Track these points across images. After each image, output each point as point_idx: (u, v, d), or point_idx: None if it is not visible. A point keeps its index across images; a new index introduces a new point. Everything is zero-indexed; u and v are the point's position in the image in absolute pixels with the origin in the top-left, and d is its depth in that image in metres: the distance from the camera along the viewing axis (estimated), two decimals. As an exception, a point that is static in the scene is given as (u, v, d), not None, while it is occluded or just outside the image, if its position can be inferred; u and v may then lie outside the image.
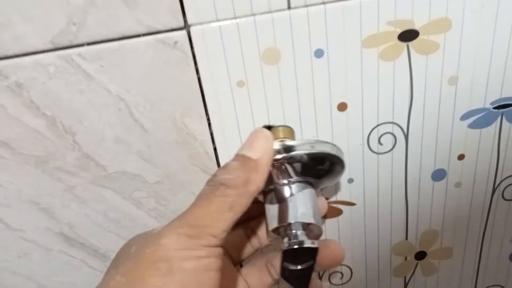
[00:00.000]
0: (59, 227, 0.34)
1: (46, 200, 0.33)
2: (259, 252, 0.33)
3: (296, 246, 0.26)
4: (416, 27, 0.28)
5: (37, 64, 0.27)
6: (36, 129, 0.30)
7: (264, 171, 0.24)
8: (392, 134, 0.32)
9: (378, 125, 0.31)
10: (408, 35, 0.28)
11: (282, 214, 0.26)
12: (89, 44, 0.27)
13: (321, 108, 0.30)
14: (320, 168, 0.27)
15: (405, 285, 0.40)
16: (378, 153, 0.32)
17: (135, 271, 0.21)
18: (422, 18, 0.28)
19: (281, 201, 0.27)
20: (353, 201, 0.34)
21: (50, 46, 0.27)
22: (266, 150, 0.25)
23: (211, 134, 0.31)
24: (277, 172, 0.26)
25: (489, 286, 0.41)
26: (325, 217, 0.35)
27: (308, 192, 0.27)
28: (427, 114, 0.31)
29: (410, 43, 0.28)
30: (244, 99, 0.29)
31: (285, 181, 0.27)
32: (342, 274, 0.38)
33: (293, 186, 0.27)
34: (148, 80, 0.28)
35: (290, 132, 0.29)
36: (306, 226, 0.26)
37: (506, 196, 0.35)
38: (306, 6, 0.27)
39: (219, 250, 0.23)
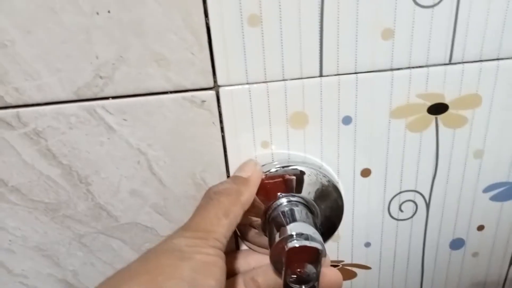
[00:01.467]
0: (63, 274, 0.33)
1: (52, 247, 0.32)
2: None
3: (298, 245, 0.24)
4: (446, 101, 0.27)
5: (58, 113, 0.27)
6: (50, 177, 0.29)
7: (253, 186, 0.27)
8: (414, 202, 0.31)
9: (400, 193, 0.30)
10: (438, 109, 0.28)
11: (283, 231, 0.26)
12: (114, 97, 0.26)
13: (344, 173, 0.29)
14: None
15: None
16: (398, 220, 0.32)
17: (150, 256, 0.23)
18: (453, 93, 0.27)
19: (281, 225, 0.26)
20: (368, 264, 0.33)
21: (74, 97, 0.26)
22: (254, 170, 0.27)
23: (229, 191, 0.30)
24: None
25: None
26: (337, 278, 0.34)
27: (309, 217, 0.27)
28: (450, 184, 0.30)
29: (439, 116, 0.28)
30: (268, 160, 0.29)
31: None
32: (350, 337, 0.37)
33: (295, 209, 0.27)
34: (172, 136, 0.28)
35: None
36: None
37: (523, 268, 0.35)
38: (338, 74, 0.26)
39: (223, 255, 0.23)
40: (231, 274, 0.30)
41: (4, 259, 0.32)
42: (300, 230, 0.25)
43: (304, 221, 0.26)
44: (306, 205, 0.28)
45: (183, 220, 0.31)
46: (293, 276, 0.25)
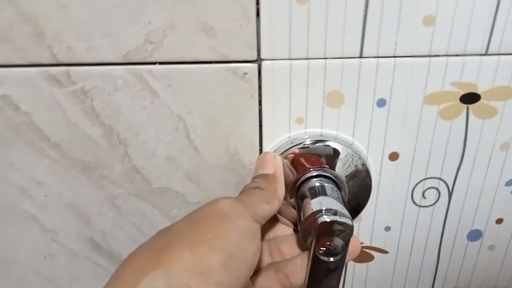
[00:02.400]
0: (91, 234, 0.34)
1: (84, 206, 0.33)
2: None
3: (329, 219, 0.25)
4: (479, 91, 0.28)
5: (106, 75, 0.28)
6: (91, 136, 0.30)
7: (282, 181, 0.27)
8: (437, 189, 0.32)
9: (425, 179, 0.31)
10: (470, 98, 0.29)
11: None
12: (161, 63, 0.27)
13: (373, 154, 0.30)
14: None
15: (421, 338, 0.39)
16: (420, 206, 0.32)
17: (197, 216, 0.24)
18: (486, 83, 0.28)
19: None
20: (386, 249, 0.34)
21: (123, 60, 0.27)
22: (277, 165, 0.28)
23: (260, 165, 0.31)
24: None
25: None
26: (354, 260, 0.35)
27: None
28: (474, 175, 0.31)
29: (470, 106, 0.29)
30: (300, 136, 0.30)
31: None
32: (361, 319, 0.38)
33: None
34: (211, 105, 0.29)
35: None
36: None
37: (537, 265, 0.36)
38: (377, 57, 0.27)
39: (260, 230, 0.24)
40: None
41: (37, 214, 0.33)
42: (329, 206, 0.26)
43: (333, 197, 0.27)
44: (336, 181, 0.29)
45: (213, 189, 0.32)
46: (322, 248, 0.26)
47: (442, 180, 0.31)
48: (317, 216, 0.25)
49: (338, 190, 0.28)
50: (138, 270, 0.21)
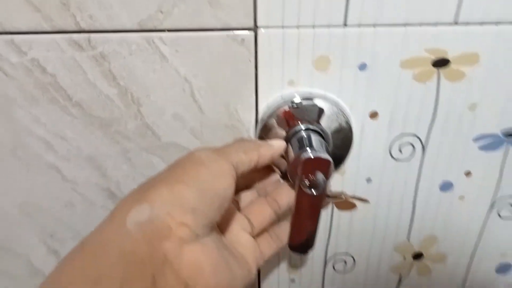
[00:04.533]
0: (108, 185, 0.39)
1: (101, 159, 0.37)
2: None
3: (312, 156, 0.29)
4: (449, 56, 0.32)
5: (122, 40, 0.32)
6: (108, 96, 0.34)
7: (274, 150, 0.31)
8: (412, 144, 0.36)
9: (401, 135, 0.36)
10: (441, 63, 0.32)
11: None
12: (170, 30, 0.31)
13: (356, 113, 0.34)
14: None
15: (399, 281, 0.44)
16: (397, 160, 0.37)
17: (177, 164, 0.29)
18: (455, 50, 0.32)
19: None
20: (367, 198, 0.39)
21: (137, 27, 0.31)
22: (280, 145, 0.32)
23: (256, 123, 0.35)
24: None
25: (473, 294, 0.46)
26: (340, 208, 0.40)
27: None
28: (444, 132, 0.36)
29: (442, 70, 0.33)
30: (292, 96, 0.34)
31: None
32: (346, 263, 0.43)
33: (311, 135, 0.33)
34: (214, 68, 0.33)
35: None
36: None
37: (502, 214, 0.40)
38: (360, 25, 0.31)
39: (234, 172, 0.28)
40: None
41: (60, 166, 0.37)
42: (314, 148, 0.31)
43: (318, 144, 0.32)
44: (322, 134, 0.33)
45: (215, 144, 0.36)
46: (305, 181, 0.30)
47: (417, 136, 0.36)
48: (302, 155, 0.30)
49: (323, 141, 0.33)
50: (127, 205, 0.26)
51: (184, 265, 0.25)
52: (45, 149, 0.36)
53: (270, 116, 0.33)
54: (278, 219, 0.34)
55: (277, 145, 0.32)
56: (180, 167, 0.28)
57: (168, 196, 0.26)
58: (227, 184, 0.28)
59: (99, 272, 0.23)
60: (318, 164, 0.29)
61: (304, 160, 0.29)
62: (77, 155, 0.37)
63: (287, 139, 0.33)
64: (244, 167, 0.30)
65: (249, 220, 0.32)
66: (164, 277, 0.25)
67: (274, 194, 0.33)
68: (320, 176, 0.30)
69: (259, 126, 0.34)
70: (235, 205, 0.34)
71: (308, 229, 0.32)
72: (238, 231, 0.32)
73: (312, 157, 0.29)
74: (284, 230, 0.34)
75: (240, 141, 0.32)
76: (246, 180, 0.35)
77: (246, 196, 0.35)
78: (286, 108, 0.33)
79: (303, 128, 0.33)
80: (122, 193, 0.39)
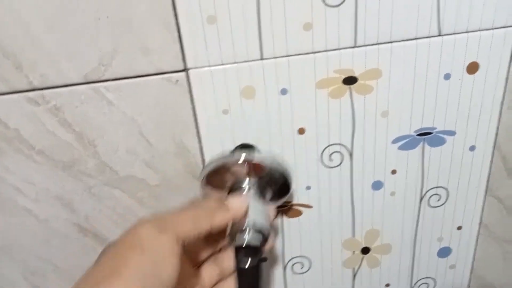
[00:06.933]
0: (77, 219, 0.43)
1: (68, 197, 0.41)
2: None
3: (243, 245, 0.32)
4: (356, 74, 0.38)
5: (72, 93, 0.36)
6: (67, 141, 0.39)
7: (227, 224, 0.33)
8: (340, 152, 0.41)
9: (329, 145, 0.41)
10: (350, 80, 0.38)
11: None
12: (112, 80, 0.36)
13: (285, 131, 0.40)
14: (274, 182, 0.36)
15: (354, 275, 0.49)
16: (329, 167, 0.42)
17: (116, 250, 0.28)
18: (360, 68, 0.37)
19: None
20: (310, 204, 0.44)
21: (83, 80, 0.36)
22: (239, 207, 0.34)
23: (201, 148, 0.40)
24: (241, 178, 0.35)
25: (422, 278, 0.50)
26: (288, 216, 0.44)
27: (262, 202, 0.36)
28: (366, 138, 0.41)
29: (352, 86, 0.38)
30: (227, 123, 0.39)
31: (245, 187, 0.36)
32: (303, 264, 0.48)
33: (250, 194, 0.36)
34: (155, 106, 0.38)
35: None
36: (256, 230, 0.33)
37: (431, 203, 0.45)
38: (275, 57, 0.36)
39: (179, 249, 0.28)
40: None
41: (32, 207, 0.42)
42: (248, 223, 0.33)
43: (256, 206, 0.35)
44: (259, 185, 0.37)
45: (167, 171, 0.41)
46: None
47: (343, 145, 0.41)
48: (235, 241, 0.33)
49: (261, 192, 0.37)
50: None
51: None
52: (16, 194, 0.41)
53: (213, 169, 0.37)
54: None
55: (236, 207, 0.33)
56: (119, 255, 0.28)
57: None
58: (170, 268, 0.28)
59: None
60: (250, 251, 0.32)
61: (235, 248, 0.33)
62: (46, 196, 0.41)
63: (230, 190, 0.37)
64: (192, 238, 0.30)
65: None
66: None
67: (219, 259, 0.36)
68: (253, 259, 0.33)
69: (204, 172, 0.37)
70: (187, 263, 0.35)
71: None
72: None
73: (242, 246, 0.32)
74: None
75: (194, 206, 0.32)
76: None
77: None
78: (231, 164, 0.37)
79: (242, 186, 0.36)
80: (91, 225, 0.43)
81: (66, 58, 0.35)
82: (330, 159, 0.41)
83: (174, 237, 0.28)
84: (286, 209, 0.44)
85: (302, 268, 0.48)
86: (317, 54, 0.37)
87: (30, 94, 0.36)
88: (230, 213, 0.33)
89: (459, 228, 0.47)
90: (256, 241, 0.33)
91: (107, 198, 0.42)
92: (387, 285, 0.50)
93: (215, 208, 0.32)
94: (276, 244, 0.46)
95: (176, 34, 0.35)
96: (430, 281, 0.51)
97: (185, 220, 0.30)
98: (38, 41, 0.34)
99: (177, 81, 0.37)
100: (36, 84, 0.36)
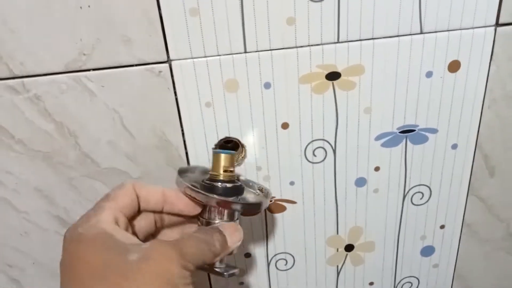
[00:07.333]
0: (57, 212, 0.42)
1: (48, 188, 0.41)
2: None
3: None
4: (339, 70, 0.38)
5: (52, 82, 0.36)
6: (47, 131, 0.38)
7: (226, 253, 0.33)
8: (323, 148, 0.41)
9: (312, 141, 0.41)
10: (333, 76, 0.38)
11: None
12: (94, 69, 0.36)
13: (269, 126, 0.39)
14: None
15: (338, 273, 0.49)
16: (313, 163, 0.42)
17: (106, 276, 0.27)
18: (343, 63, 0.37)
19: None
20: (294, 199, 0.44)
21: (64, 69, 0.36)
22: (235, 241, 0.33)
23: (184, 141, 0.40)
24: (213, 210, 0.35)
25: (406, 277, 0.50)
26: (272, 212, 0.44)
27: None
28: (349, 134, 0.41)
29: (335, 82, 0.38)
30: (210, 116, 0.39)
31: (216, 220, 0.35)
32: (286, 261, 0.47)
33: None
34: (138, 98, 0.37)
35: (231, 160, 0.35)
36: None
37: (414, 201, 0.45)
38: (258, 51, 0.36)
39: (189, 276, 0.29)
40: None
41: (11, 199, 0.41)
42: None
43: None
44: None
45: (148, 164, 0.41)
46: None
47: (326, 140, 0.41)
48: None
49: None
50: None
51: None
52: (-5, 185, 0.40)
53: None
54: None
55: (232, 243, 0.33)
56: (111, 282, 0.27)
57: None
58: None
59: None
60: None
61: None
62: (25, 187, 0.41)
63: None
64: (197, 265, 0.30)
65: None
66: None
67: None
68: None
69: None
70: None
71: None
72: None
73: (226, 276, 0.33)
74: None
75: (196, 234, 0.31)
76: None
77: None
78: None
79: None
80: (71, 218, 0.43)
81: (46, 47, 0.35)
82: (314, 155, 0.41)
83: (185, 265, 0.28)
84: (270, 204, 0.44)
85: (286, 264, 0.47)
86: (300, 48, 0.37)
87: (10, 82, 0.36)
88: (229, 248, 0.33)
89: (442, 227, 0.47)
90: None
91: (87, 190, 0.41)
92: (371, 283, 0.50)
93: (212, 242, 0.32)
94: (260, 240, 0.45)
95: (159, 25, 0.35)
96: (414, 280, 0.51)
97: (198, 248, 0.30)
98: (17, 30, 0.34)
99: (160, 72, 0.36)
100: (16, 72, 0.35)
